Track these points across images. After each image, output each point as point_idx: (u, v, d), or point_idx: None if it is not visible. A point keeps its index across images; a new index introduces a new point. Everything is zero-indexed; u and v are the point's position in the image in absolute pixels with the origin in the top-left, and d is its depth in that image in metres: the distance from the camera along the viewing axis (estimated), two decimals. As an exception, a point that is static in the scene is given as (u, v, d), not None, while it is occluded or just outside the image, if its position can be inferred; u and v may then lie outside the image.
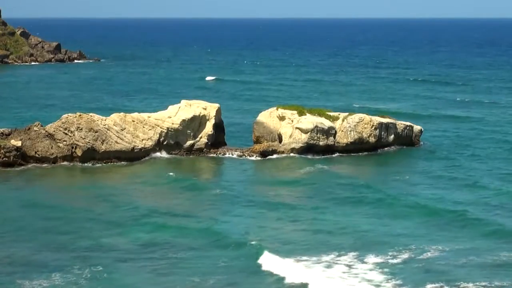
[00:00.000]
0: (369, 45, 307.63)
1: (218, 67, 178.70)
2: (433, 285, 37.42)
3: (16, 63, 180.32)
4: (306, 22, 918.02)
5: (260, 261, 40.42)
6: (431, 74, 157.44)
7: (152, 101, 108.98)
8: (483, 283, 37.56)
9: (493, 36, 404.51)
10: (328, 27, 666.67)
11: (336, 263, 40.65)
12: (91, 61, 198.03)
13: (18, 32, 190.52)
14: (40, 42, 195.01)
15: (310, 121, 70.54)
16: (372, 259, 41.14)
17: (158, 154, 68.57)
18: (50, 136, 66.46)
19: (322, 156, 69.49)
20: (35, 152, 65.87)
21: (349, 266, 40.29)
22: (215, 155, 70.21)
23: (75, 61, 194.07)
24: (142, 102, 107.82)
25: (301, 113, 71.88)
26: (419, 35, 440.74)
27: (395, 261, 40.92)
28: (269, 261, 40.23)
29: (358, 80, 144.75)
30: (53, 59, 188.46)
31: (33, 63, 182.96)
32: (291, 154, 69.38)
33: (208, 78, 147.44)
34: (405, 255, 41.73)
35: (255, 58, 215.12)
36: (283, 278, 38.20)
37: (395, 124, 73.52)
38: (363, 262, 40.75)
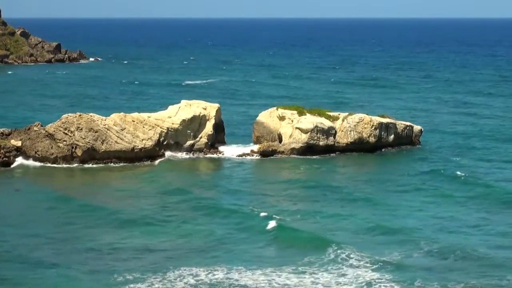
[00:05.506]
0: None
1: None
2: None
3: (16, 63, 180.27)
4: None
5: None
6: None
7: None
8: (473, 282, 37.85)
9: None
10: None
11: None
12: (92, 59, 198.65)
13: (18, 32, 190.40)
14: (40, 42, 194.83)
15: (310, 121, 70.50)
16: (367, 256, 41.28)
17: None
18: (50, 136, 66.41)
19: (322, 156, 69.56)
20: (35, 152, 65.82)
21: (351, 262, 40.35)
22: (215, 155, 70.15)
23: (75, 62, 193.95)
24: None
25: (301, 113, 71.87)
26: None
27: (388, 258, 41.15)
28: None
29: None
30: (53, 59, 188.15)
31: (33, 63, 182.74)
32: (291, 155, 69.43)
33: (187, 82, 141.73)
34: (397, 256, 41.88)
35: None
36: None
37: (395, 124, 73.46)
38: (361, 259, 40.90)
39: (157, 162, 67.12)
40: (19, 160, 65.68)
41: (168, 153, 68.81)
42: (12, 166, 64.83)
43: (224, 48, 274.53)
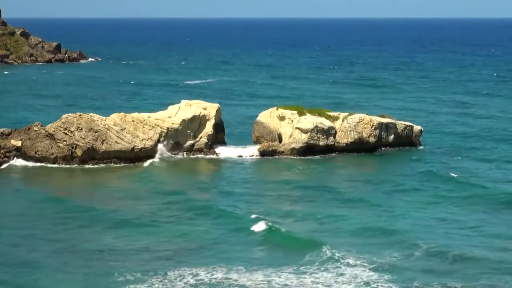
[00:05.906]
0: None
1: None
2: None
3: (16, 63, 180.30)
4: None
5: None
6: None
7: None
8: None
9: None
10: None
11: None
12: (92, 59, 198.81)
13: (18, 32, 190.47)
14: (40, 42, 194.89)
15: (310, 121, 70.63)
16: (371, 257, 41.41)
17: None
18: (50, 136, 66.50)
19: (322, 156, 69.69)
20: (35, 152, 65.92)
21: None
22: (214, 155, 70.25)
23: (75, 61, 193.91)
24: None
25: (301, 113, 72.01)
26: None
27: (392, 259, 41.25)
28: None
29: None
30: (53, 59, 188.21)
31: (33, 63, 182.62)
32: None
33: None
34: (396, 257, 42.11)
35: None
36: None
37: (395, 124, 73.58)
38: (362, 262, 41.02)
39: (146, 163, 66.45)
40: (19, 160, 65.75)
41: (160, 149, 68.34)
42: (11, 166, 64.89)
43: (223, 48, 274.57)
